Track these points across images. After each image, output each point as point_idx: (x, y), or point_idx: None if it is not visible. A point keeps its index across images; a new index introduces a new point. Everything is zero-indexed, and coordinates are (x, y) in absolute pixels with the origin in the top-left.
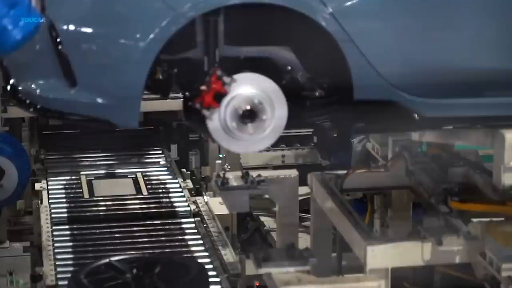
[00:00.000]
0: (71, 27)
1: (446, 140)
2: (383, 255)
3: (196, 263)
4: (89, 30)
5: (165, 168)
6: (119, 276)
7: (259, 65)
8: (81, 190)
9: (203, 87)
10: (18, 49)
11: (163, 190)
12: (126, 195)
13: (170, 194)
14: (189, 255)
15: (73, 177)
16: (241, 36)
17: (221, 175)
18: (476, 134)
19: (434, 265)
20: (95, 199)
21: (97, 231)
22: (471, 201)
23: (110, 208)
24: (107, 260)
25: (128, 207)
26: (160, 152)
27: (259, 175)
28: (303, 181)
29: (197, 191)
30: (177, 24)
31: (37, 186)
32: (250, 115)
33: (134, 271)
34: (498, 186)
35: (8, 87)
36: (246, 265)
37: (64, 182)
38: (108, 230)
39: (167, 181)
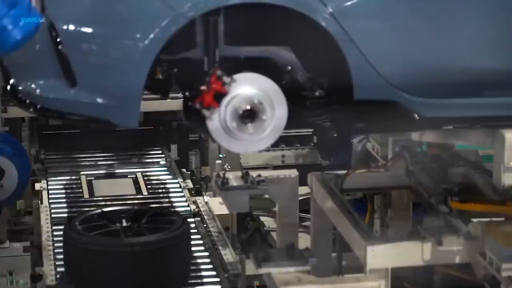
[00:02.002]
0: (71, 27)
1: (446, 140)
2: (383, 255)
3: (179, 216)
4: (89, 30)
5: (165, 168)
6: (109, 224)
7: (259, 65)
8: (81, 190)
9: (203, 87)
10: (18, 49)
11: (163, 190)
12: (126, 195)
13: (170, 194)
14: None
15: (73, 177)
16: (241, 36)
17: (221, 175)
18: (476, 134)
19: (434, 265)
20: (95, 199)
21: None
22: (471, 201)
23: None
24: (99, 211)
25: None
26: (160, 152)
27: (259, 175)
28: (303, 181)
29: (197, 191)
30: (177, 24)
31: (37, 186)
32: (250, 115)
33: (123, 220)
34: (498, 186)
35: (8, 87)
36: (246, 265)
37: (64, 182)
38: None
39: (167, 181)
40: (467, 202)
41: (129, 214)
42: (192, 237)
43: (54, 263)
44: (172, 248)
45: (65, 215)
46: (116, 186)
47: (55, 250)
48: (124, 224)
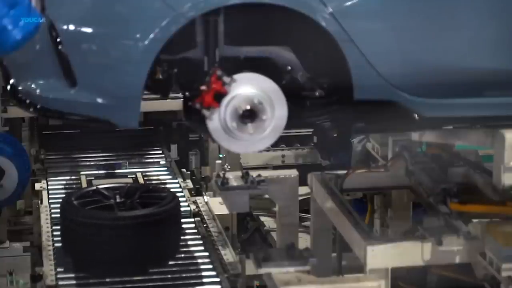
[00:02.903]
0: (71, 27)
1: (446, 140)
2: (383, 255)
3: (170, 193)
4: (89, 30)
5: (165, 168)
6: (104, 200)
7: (259, 65)
8: None
9: (203, 87)
10: (18, 49)
11: None
12: None
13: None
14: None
15: (73, 177)
16: (241, 36)
17: (221, 175)
18: (476, 134)
19: (428, 266)
20: None
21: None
22: (470, 202)
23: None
24: (94, 187)
25: None
26: (160, 152)
27: (259, 175)
28: (303, 181)
29: (197, 191)
30: (177, 24)
31: (37, 186)
32: (250, 115)
33: (117, 196)
34: (498, 186)
35: (8, 87)
36: (246, 265)
37: (64, 182)
38: None
39: (167, 181)
40: (467, 204)
41: (122, 190)
42: (192, 237)
43: (54, 263)
44: (163, 221)
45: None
46: None
47: (55, 250)
48: (118, 200)
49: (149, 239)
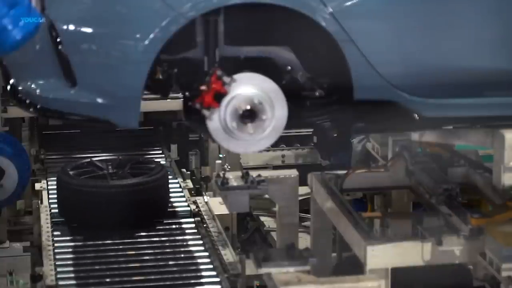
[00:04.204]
0: (71, 27)
1: (446, 140)
2: (383, 255)
3: (159, 165)
4: (89, 30)
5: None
6: (97, 170)
7: (259, 65)
8: None
9: (203, 87)
10: (18, 49)
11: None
12: None
13: (170, 194)
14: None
15: None
16: (241, 36)
17: (221, 175)
18: (476, 134)
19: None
20: None
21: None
22: (488, 216)
23: None
24: (89, 160)
25: None
26: (160, 152)
27: (259, 175)
28: (303, 181)
29: (197, 191)
30: (177, 24)
31: (37, 186)
32: (250, 115)
33: (110, 167)
34: (498, 186)
35: (8, 87)
36: (246, 265)
37: None
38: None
39: None
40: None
41: (114, 162)
42: (192, 237)
43: (54, 263)
44: (151, 189)
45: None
46: None
47: (55, 250)
48: (110, 171)
49: (139, 205)
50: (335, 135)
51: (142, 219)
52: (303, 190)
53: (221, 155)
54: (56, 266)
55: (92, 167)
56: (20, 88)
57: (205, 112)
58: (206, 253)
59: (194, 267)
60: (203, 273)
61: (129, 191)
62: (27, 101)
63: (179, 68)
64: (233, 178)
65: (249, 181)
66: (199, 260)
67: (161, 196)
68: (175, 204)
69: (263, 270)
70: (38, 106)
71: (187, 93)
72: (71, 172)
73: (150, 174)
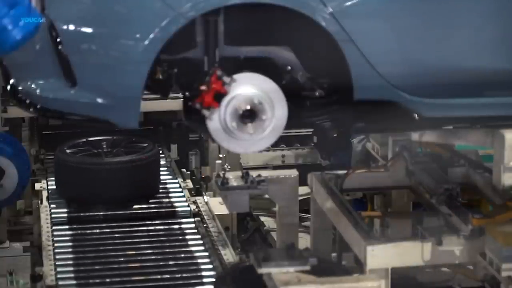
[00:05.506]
0: (71, 27)
1: (446, 140)
2: (383, 255)
3: (152, 144)
4: (89, 30)
5: (165, 168)
6: (92, 149)
7: (259, 65)
8: None
9: (203, 87)
10: (18, 49)
11: (163, 190)
12: None
13: (170, 194)
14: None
15: None
16: (241, 36)
17: (221, 175)
18: (476, 134)
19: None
20: None
21: (97, 231)
22: (489, 216)
23: (110, 207)
24: (84, 139)
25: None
26: (160, 152)
27: (259, 175)
28: (303, 181)
29: (197, 191)
30: (177, 24)
31: (37, 186)
32: (250, 115)
33: (104, 146)
34: (498, 186)
35: (8, 87)
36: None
37: None
38: (108, 230)
39: (167, 181)
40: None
41: (109, 141)
42: (192, 237)
43: (54, 263)
44: (143, 166)
45: (65, 215)
46: None
47: (55, 250)
48: (105, 149)
49: (132, 181)
50: (335, 135)
51: (135, 194)
52: (303, 190)
53: (221, 155)
54: (56, 266)
55: (88, 146)
56: (20, 88)
57: (205, 112)
58: (206, 253)
59: (194, 267)
60: (203, 273)
61: (122, 167)
62: (27, 101)
63: (179, 68)
64: (233, 178)
65: (249, 181)
66: (199, 260)
67: (153, 173)
68: (175, 204)
69: (263, 270)
70: (38, 106)
71: (187, 93)
72: (68, 151)
73: (143, 152)
